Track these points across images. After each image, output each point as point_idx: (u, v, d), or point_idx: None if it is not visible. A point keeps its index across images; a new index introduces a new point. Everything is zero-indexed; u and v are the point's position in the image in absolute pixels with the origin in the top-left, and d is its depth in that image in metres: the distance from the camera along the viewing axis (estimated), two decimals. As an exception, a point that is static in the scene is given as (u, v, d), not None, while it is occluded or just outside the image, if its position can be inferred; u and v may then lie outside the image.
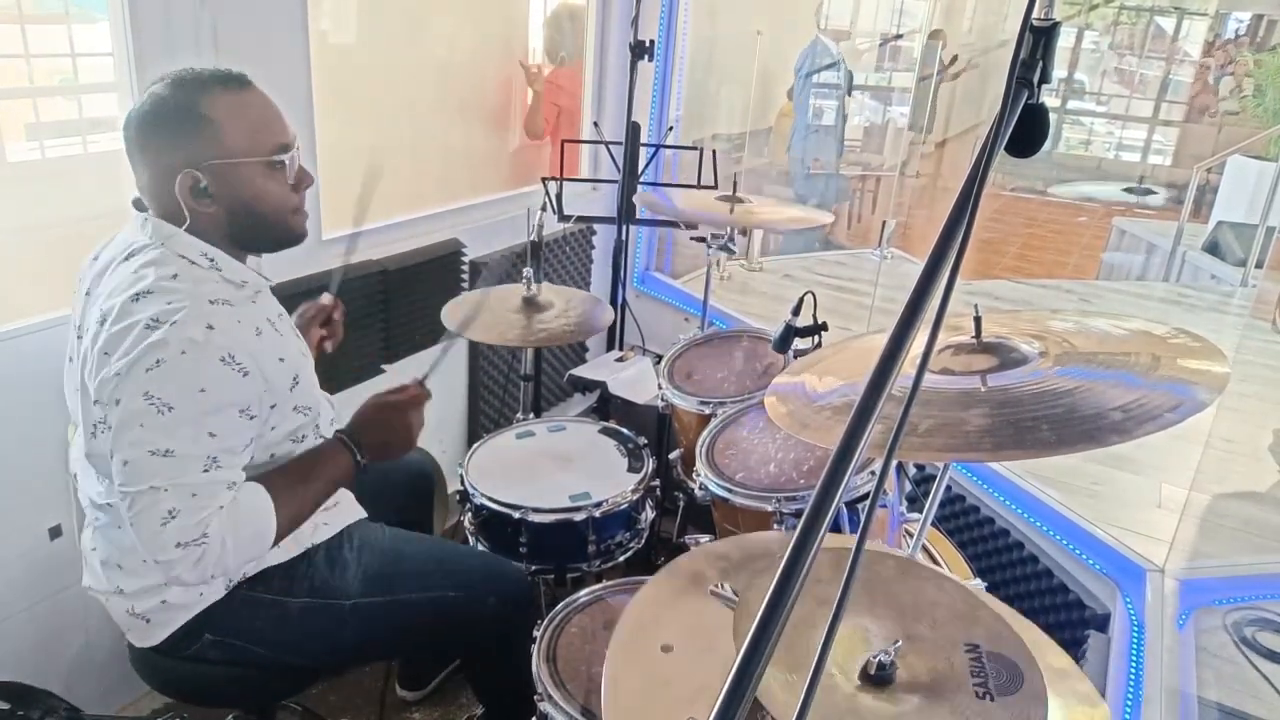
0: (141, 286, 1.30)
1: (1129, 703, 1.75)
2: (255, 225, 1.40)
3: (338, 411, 1.62)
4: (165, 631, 1.45)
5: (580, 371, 2.74)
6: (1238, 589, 2.15)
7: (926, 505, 1.30)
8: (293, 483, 1.44)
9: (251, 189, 1.37)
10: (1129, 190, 8.58)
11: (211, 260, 1.37)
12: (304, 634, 1.51)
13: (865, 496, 1.56)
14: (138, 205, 1.41)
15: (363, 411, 1.57)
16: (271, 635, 1.49)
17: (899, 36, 8.08)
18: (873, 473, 1.55)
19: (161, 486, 1.26)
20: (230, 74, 1.36)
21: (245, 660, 1.50)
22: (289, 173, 1.40)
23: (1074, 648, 1.96)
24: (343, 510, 1.62)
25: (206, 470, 1.30)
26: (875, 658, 0.91)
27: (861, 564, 0.57)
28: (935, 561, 1.64)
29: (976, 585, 1.39)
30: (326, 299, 1.76)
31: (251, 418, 1.35)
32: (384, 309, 2.40)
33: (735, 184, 2.32)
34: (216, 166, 1.33)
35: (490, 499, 1.78)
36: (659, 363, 2.28)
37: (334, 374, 1.75)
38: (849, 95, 6.17)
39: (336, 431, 1.54)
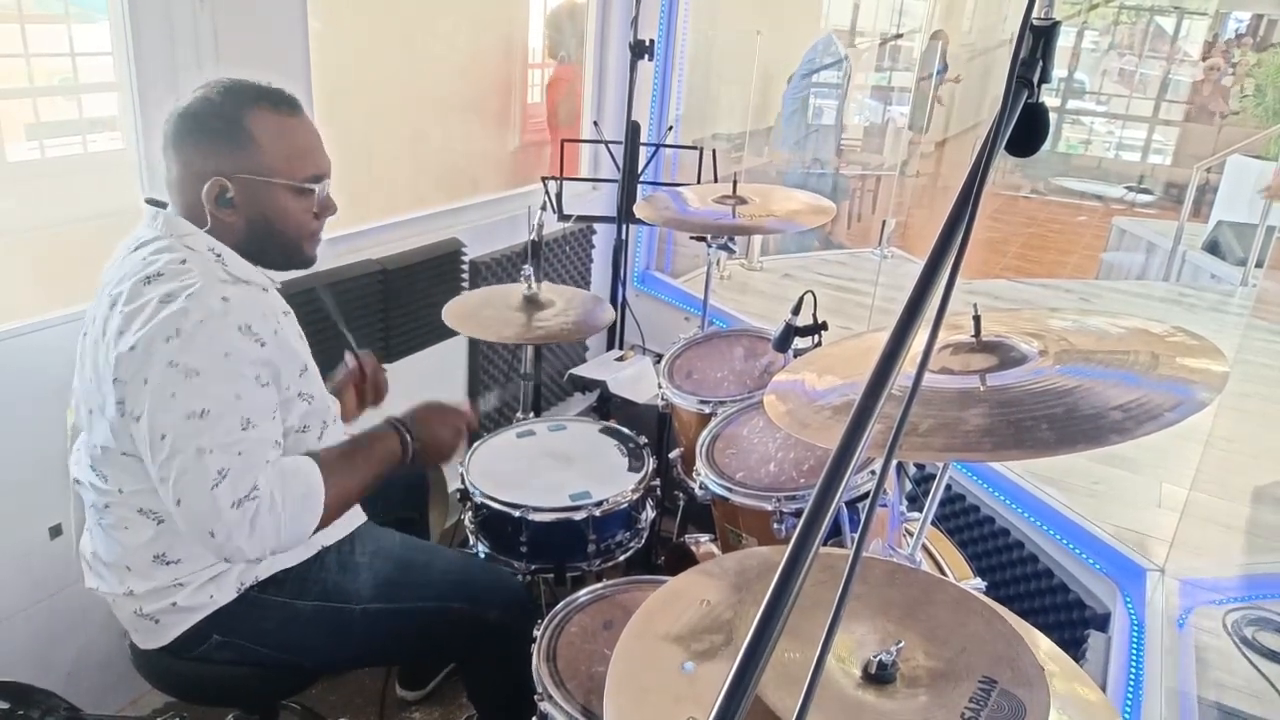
0: (152, 270, 1.32)
1: (1129, 703, 1.75)
2: (270, 242, 1.43)
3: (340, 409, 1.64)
4: (174, 633, 1.46)
5: (580, 371, 2.74)
6: (1238, 589, 2.15)
7: (926, 505, 1.29)
8: (339, 457, 1.45)
9: (275, 208, 1.40)
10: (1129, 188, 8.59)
11: (218, 255, 1.39)
12: (312, 636, 1.52)
13: (865, 496, 1.56)
14: (152, 202, 1.43)
15: (422, 407, 1.60)
16: (280, 637, 1.50)
17: (899, 36, 8.08)
18: (873, 472, 1.55)
19: (207, 448, 1.27)
20: (282, 94, 1.39)
21: (250, 661, 1.50)
22: (316, 201, 1.43)
23: (1074, 647, 1.96)
24: (351, 512, 1.63)
25: (245, 429, 1.30)
26: (877, 657, 0.91)
27: (861, 562, 0.57)
28: (935, 561, 1.64)
29: (976, 585, 1.39)
30: (350, 362, 1.78)
31: (265, 385, 1.36)
32: (384, 309, 2.40)
33: (735, 183, 2.32)
34: (246, 180, 1.36)
35: (490, 498, 1.78)
36: (659, 362, 2.27)
37: (334, 374, 1.76)
38: (845, 94, 6.18)
39: (389, 418, 1.55)
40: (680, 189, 2.50)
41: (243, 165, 1.36)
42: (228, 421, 1.29)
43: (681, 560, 1.87)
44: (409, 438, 1.53)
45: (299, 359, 1.44)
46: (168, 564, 1.42)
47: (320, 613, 1.51)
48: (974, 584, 1.39)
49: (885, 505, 1.41)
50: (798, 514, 1.56)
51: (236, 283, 1.37)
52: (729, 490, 1.64)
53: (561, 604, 1.52)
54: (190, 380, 1.27)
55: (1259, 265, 5.08)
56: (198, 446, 1.27)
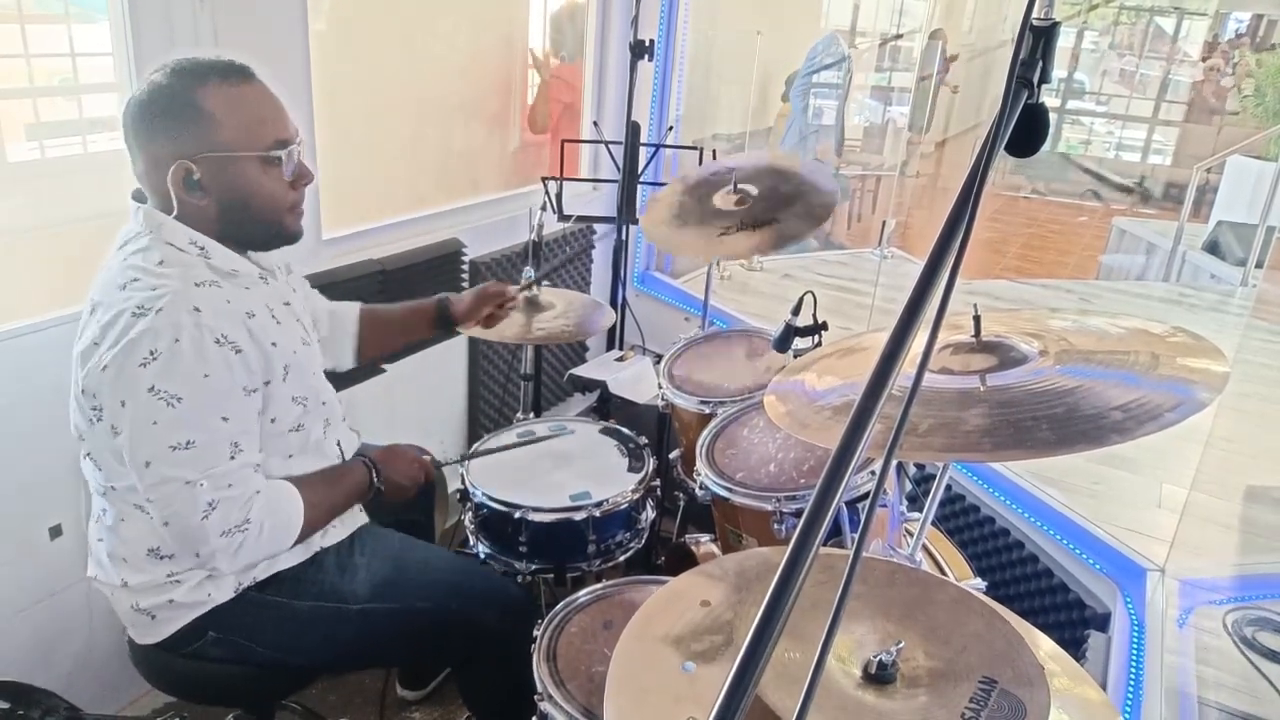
0: (129, 275, 1.31)
1: (1129, 703, 1.75)
2: (247, 220, 1.39)
3: (344, 410, 1.66)
4: (169, 629, 1.46)
5: (580, 371, 2.74)
6: (1238, 589, 2.15)
7: (926, 505, 1.30)
8: (316, 485, 1.49)
9: (245, 183, 1.35)
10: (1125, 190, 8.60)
11: (201, 248, 1.36)
12: (308, 635, 1.52)
13: (865, 496, 1.56)
14: (136, 197, 1.41)
15: (392, 448, 1.66)
16: (275, 636, 1.50)
17: (899, 36, 8.08)
18: (873, 472, 1.55)
19: (196, 480, 1.28)
20: (231, 65, 1.33)
21: (246, 659, 1.50)
22: (286, 168, 1.38)
23: (1074, 647, 1.96)
24: (351, 514, 1.63)
25: (233, 457, 1.32)
26: (877, 657, 0.91)
27: (861, 562, 0.57)
28: (935, 561, 1.64)
29: (976, 585, 1.39)
30: (511, 289, 1.85)
31: (254, 392, 1.36)
32: (384, 309, 2.40)
33: (734, 183, 2.32)
34: (210, 159, 1.32)
35: (490, 498, 1.78)
36: (659, 362, 2.27)
37: (333, 373, 1.76)
38: (846, 94, 6.18)
39: (362, 456, 1.60)
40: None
41: (204, 144, 1.30)
42: (216, 451, 1.29)
43: (681, 560, 1.87)
44: (376, 477, 1.58)
45: (279, 360, 1.40)
46: (162, 559, 1.42)
47: (317, 613, 1.51)
48: (974, 584, 1.39)
49: (885, 505, 1.41)
50: (798, 514, 1.56)
51: (216, 281, 1.34)
52: (729, 490, 1.64)
53: (561, 604, 1.52)
54: (173, 408, 1.26)
55: (1259, 265, 5.08)
56: (186, 479, 1.28)
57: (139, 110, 1.31)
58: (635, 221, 2.92)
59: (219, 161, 1.32)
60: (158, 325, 1.25)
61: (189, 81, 1.30)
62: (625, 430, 2.06)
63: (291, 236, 1.45)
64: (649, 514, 1.91)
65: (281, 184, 1.39)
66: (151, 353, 1.25)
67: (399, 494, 1.63)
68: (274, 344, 1.40)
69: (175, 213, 1.33)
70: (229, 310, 1.33)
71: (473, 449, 1.85)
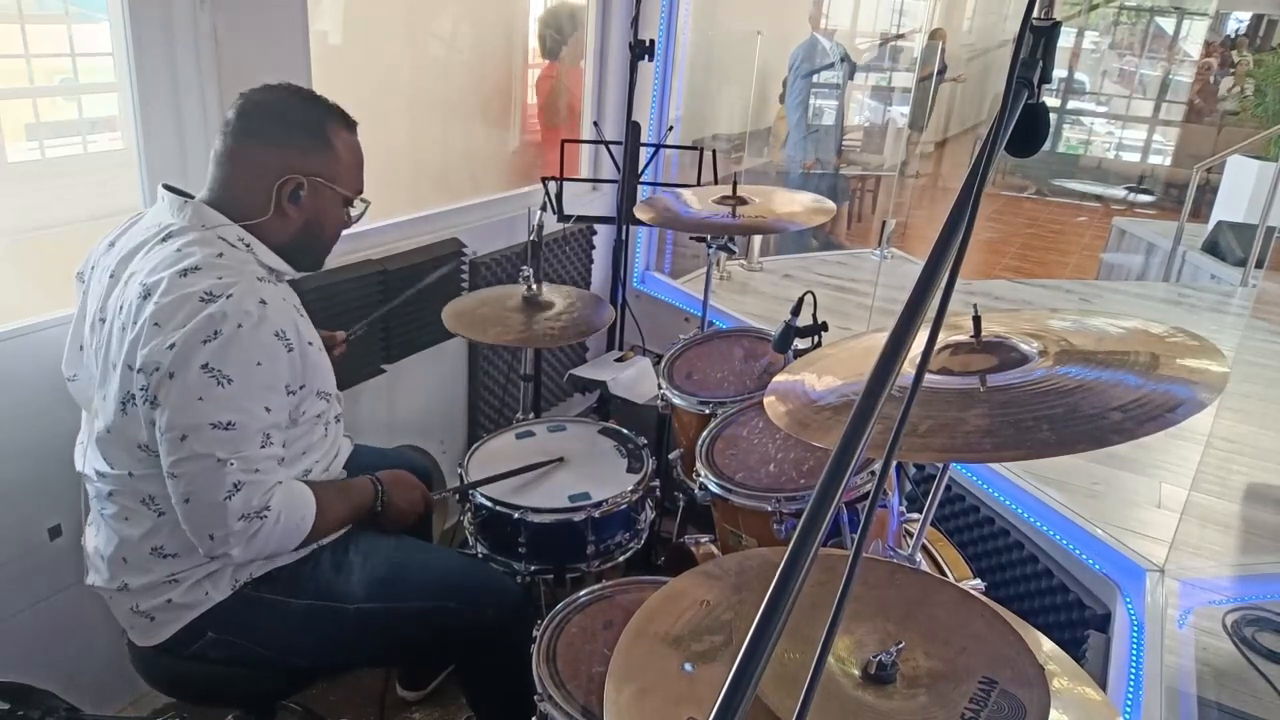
0: (189, 263, 1.34)
1: (1129, 703, 1.75)
2: (311, 244, 1.52)
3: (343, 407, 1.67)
4: (169, 630, 1.46)
5: (580, 371, 2.74)
6: (1238, 589, 2.15)
7: (926, 505, 1.29)
8: (328, 492, 1.51)
9: (329, 214, 1.51)
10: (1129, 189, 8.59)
11: (248, 245, 1.42)
12: (305, 635, 1.52)
13: (865, 496, 1.56)
14: (174, 190, 1.44)
15: (399, 475, 1.68)
16: (273, 635, 1.50)
17: (899, 36, 8.08)
18: (872, 473, 1.55)
19: (227, 459, 1.30)
20: (347, 114, 1.50)
21: (245, 659, 1.51)
22: (353, 214, 1.55)
23: (1074, 648, 1.96)
24: None
25: (263, 446, 1.35)
26: (877, 657, 0.91)
27: (861, 562, 0.57)
28: (935, 562, 1.64)
29: (976, 585, 1.39)
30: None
31: (292, 394, 1.40)
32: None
33: (735, 184, 2.32)
34: (319, 184, 1.45)
35: (490, 499, 1.78)
36: (659, 363, 2.27)
37: (334, 373, 1.77)
38: (850, 80, 6.17)
39: (372, 475, 1.63)
40: (679, 190, 2.50)
41: (320, 169, 1.45)
42: (251, 436, 1.33)
43: (681, 561, 1.87)
44: (380, 498, 1.62)
45: (314, 358, 1.46)
46: (164, 557, 1.43)
47: (313, 611, 1.51)
48: (974, 584, 1.39)
49: (885, 506, 1.41)
50: (798, 515, 1.56)
51: (269, 276, 1.41)
52: (728, 491, 1.64)
53: (561, 604, 1.52)
54: (220, 388, 1.29)
55: (1259, 265, 5.08)
56: (218, 456, 1.30)
57: (268, 118, 1.41)
58: (635, 221, 2.92)
59: (323, 189, 1.47)
60: (226, 309, 1.30)
61: (322, 113, 1.46)
62: (624, 430, 2.06)
63: (318, 267, 1.59)
64: (648, 514, 1.91)
65: (343, 225, 1.55)
66: (215, 333, 1.29)
67: (397, 519, 1.66)
68: (310, 342, 1.45)
69: (267, 215, 1.43)
70: (285, 307, 1.39)
71: (468, 483, 1.84)
